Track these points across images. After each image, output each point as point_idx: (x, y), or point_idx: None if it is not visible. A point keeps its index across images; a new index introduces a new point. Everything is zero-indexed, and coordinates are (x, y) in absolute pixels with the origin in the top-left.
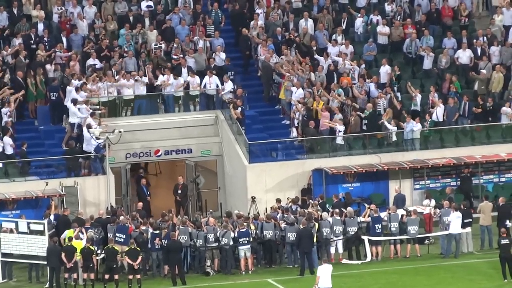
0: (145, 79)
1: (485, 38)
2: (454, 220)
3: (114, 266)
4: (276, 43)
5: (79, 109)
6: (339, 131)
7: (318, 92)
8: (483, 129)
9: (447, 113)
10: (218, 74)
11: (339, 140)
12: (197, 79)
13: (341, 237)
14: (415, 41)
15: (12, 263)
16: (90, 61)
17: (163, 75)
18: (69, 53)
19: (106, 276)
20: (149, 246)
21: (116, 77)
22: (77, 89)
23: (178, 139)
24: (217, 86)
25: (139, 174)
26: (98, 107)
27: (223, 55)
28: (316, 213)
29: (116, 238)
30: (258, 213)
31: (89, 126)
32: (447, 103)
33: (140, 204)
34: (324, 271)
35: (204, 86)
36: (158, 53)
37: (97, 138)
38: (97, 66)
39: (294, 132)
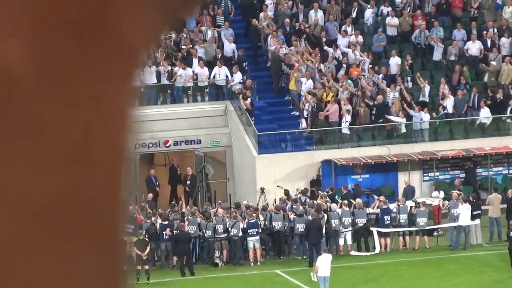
0: (154, 68)
1: (495, 29)
2: (463, 212)
3: None
4: (285, 34)
5: None
6: (346, 121)
7: (328, 83)
8: (492, 121)
9: (456, 104)
10: (228, 64)
11: (346, 130)
12: (205, 70)
13: (350, 228)
14: (424, 31)
15: None
16: None
17: (174, 64)
18: None
19: None
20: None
21: None
22: None
23: (187, 129)
24: (227, 77)
25: (171, 164)
26: None
27: (232, 46)
28: (325, 204)
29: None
30: (267, 204)
31: None
32: (456, 95)
33: (150, 195)
34: (324, 261)
35: (214, 77)
36: (168, 42)
37: None
38: None
39: (303, 123)
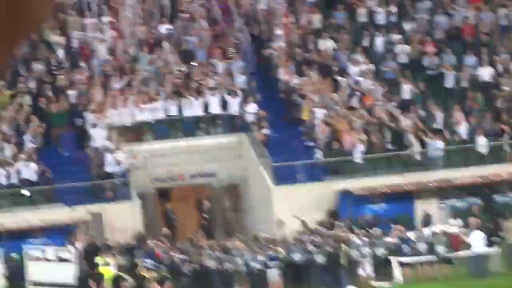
0: (163, 104)
1: (506, 54)
2: (478, 239)
3: None
4: (297, 64)
5: (99, 133)
6: (360, 151)
7: (341, 112)
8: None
9: (470, 131)
10: (240, 96)
11: (359, 160)
12: (218, 101)
13: (369, 258)
14: (435, 58)
15: None
16: (111, 85)
17: (184, 96)
18: (86, 75)
19: None
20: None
21: (137, 100)
22: (93, 112)
23: (202, 163)
24: (240, 108)
25: (199, 200)
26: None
27: (243, 77)
28: (343, 235)
29: (144, 264)
30: (285, 236)
31: (109, 150)
32: (469, 121)
33: (165, 229)
34: None
35: (227, 108)
36: (179, 75)
37: (119, 163)
38: (118, 89)
39: (318, 153)
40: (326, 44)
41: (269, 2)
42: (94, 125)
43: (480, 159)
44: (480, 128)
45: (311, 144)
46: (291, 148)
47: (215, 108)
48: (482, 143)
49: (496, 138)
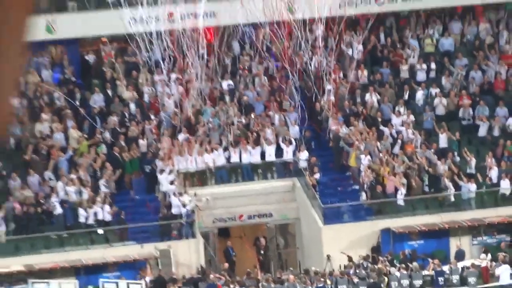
0: (225, 153)
1: None
2: (503, 272)
3: None
4: (345, 115)
5: (166, 178)
6: (401, 193)
7: (384, 158)
8: None
9: (500, 175)
10: (294, 144)
11: (400, 201)
12: (273, 149)
13: None
14: (469, 109)
15: None
16: (178, 135)
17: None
18: (155, 126)
19: None
20: None
21: (201, 149)
22: (162, 159)
23: (259, 204)
24: (294, 155)
25: (257, 237)
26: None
27: (296, 128)
28: (385, 268)
29: None
30: (333, 269)
31: (175, 193)
32: (500, 166)
33: (226, 264)
34: None
35: (282, 155)
36: (239, 126)
37: (184, 205)
38: (184, 138)
39: (363, 196)
40: (372, 98)
41: (320, 60)
42: (162, 171)
43: (509, 201)
44: (506, 173)
45: (357, 187)
46: (339, 191)
47: (271, 156)
48: (505, 186)
49: None
